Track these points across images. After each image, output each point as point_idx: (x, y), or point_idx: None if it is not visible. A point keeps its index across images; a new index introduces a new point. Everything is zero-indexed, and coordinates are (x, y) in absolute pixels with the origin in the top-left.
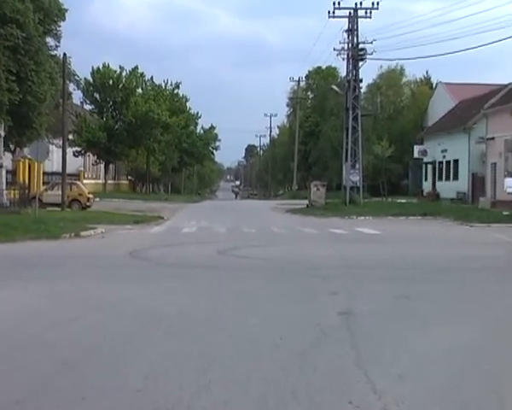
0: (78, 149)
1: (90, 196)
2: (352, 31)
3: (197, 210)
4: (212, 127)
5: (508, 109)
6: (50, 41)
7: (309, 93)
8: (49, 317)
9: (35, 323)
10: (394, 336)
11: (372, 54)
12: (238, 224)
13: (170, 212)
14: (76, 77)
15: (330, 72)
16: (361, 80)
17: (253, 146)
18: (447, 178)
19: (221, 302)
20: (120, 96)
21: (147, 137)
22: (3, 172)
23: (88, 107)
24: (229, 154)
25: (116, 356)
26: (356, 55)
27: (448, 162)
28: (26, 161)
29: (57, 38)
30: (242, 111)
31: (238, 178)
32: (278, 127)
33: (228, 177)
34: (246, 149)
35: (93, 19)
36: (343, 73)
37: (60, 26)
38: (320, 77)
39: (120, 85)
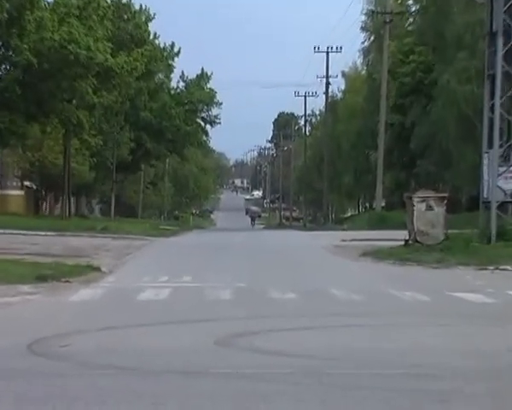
0: None
1: None
2: None
3: (172, 252)
4: (205, 76)
5: None
6: None
7: (410, 2)
8: None
9: None
10: None
11: None
12: (259, 281)
13: (114, 256)
14: None
15: None
16: None
17: (291, 116)
18: None
19: None
20: (6, 11)
21: (64, 98)
22: None
23: None
24: (239, 134)
25: None
26: None
27: None
28: None
29: None
30: (266, 43)
31: (258, 184)
32: (344, 76)
33: (236, 182)
34: (274, 123)
35: None
36: None
37: None
38: None
39: None
